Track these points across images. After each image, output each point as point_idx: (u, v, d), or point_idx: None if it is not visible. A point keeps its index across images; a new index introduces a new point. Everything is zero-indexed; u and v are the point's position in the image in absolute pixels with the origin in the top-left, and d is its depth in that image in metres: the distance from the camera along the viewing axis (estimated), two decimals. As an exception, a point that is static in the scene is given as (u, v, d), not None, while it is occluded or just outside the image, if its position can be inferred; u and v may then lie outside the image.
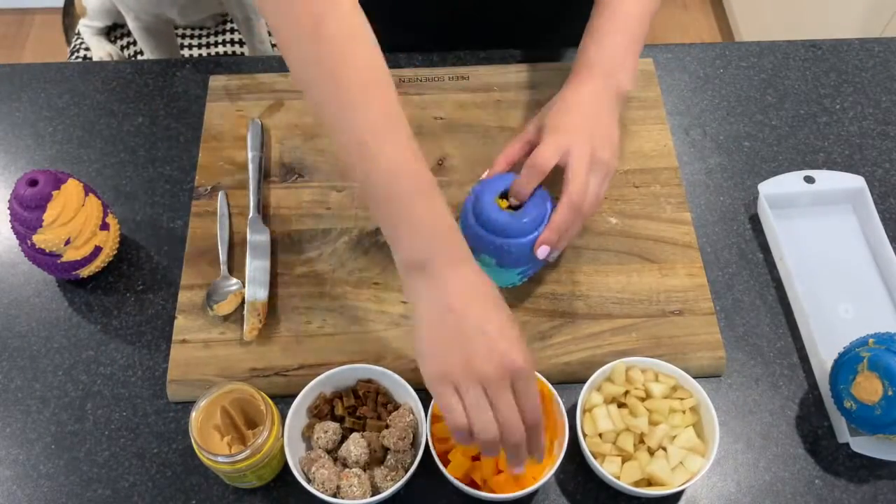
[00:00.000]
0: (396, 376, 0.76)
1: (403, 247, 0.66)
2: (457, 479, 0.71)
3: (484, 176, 0.81)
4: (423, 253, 0.65)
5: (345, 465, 0.74)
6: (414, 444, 0.75)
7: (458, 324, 0.63)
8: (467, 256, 0.66)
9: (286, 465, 0.74)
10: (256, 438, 0.69)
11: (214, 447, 0.70)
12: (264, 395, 0.72)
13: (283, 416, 0.74)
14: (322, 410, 0.76)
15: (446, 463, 0.72)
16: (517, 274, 0.80)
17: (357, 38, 0.68)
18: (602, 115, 0.78)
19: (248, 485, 0.75)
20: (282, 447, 0.73)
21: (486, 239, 0.77)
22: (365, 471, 0.73)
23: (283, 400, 0.77)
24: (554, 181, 0.77)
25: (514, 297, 0.84)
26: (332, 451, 0.75)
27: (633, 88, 0.82)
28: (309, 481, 0.72)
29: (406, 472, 0.72)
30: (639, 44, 0.82)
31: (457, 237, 0.66)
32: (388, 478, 0.73)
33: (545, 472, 0.71)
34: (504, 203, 0.78)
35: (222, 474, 0.73)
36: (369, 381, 0.78)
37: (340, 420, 0.76)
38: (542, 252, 0.76)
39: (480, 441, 0.64)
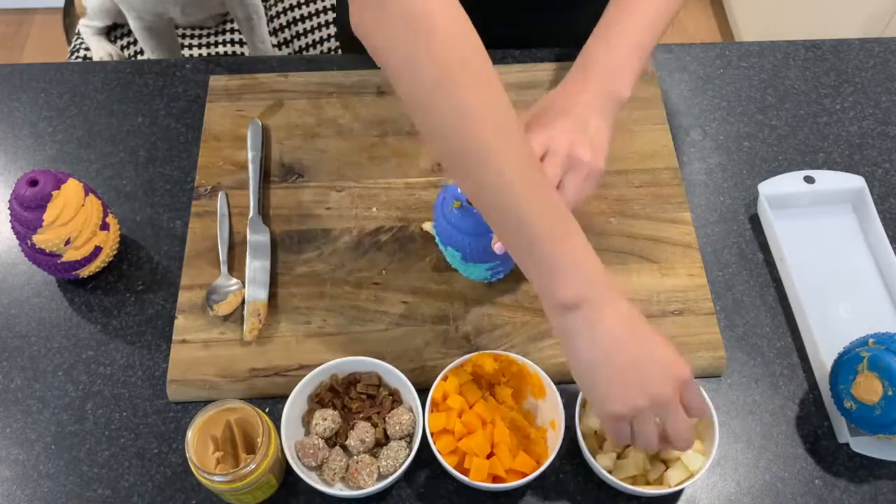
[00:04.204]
0: (398, 372, 0.76)
1: (556, 292, 0.65)
2: (464, 474, 0.71)
3: None
4: (577, 296, 0.64)
5: (346, 451, 0.75)
6: (410, 442, 0.75)
7: (629, 358, 0.65)
8: (617, 290, 0.66)
9: (272, 496, 0.75)
10: (242, 467, 0.68)
11: (202, 457, 0.69)
12: (271, 425, 0.71)
13: (283, 416, 0.75)
14: (323, 399, 0.77)
15: (454, 464, 0.72)
16: (486, 269, 0.81)
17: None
18: (590, 118, 0.77)
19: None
20: (268, 481, 0.72)
21: (452, 234, 0.78)
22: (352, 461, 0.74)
23: (283, 400, 0.77)
24: None
25: (515, 296, 0.84)
26: (329, 439, 0.76)
27: (629, 95, 0.80)
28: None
29: (398, 468, 0.73)
30: (644, 51, 0.81)
31: (604, 274, 0.66)
32: (381, 473, 0.73)
33: (542, 462, 0.72)
34: None
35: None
36: (371, 375, 0.78)
37: (341, 409, 0.77)
38: (498, 248, 0.76)
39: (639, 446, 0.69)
